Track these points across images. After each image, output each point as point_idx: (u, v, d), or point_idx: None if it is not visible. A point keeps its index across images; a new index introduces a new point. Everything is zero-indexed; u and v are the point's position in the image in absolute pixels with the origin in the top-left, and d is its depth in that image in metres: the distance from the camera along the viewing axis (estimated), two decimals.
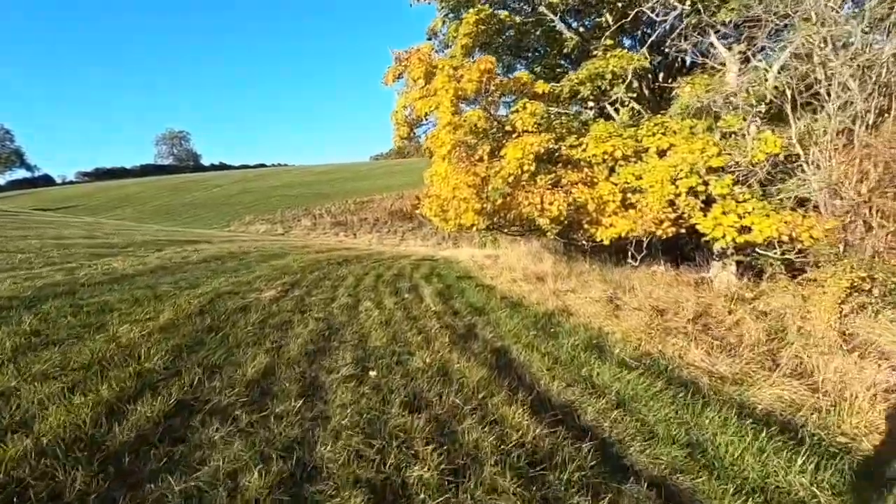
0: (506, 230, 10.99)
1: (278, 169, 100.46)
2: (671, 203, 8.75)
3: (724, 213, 8.26)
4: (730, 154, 8.32)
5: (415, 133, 15.14)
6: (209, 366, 3.73)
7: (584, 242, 10.53)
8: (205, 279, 7.96)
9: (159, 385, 3.29)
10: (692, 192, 8.88)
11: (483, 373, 4.02)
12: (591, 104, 14.92)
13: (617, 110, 13.38)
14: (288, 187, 60.36)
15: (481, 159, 9.07)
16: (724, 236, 7.95)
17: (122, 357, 3.71)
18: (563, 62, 15.72)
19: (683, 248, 14.16)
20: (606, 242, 9.77)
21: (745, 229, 7.81)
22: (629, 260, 10.09)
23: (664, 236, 8.53)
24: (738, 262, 10.76)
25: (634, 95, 13.39)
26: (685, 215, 8.56)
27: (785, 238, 7.23)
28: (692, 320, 6.43)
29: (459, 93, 9.60)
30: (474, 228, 9.36)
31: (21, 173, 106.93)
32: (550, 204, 8.21)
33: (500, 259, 14.89)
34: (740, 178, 8.90)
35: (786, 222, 7.17)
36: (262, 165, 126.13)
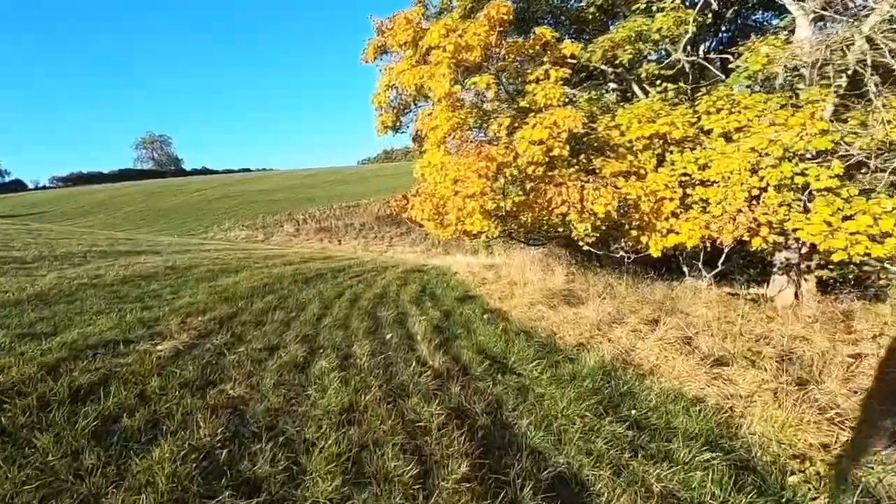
0: (522, 239, 8.51)
1: (262, 173, 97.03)
2: (754, 199, 6.36)
3: (833, 214, 5.86)
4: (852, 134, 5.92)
5: (402, 122, 12.65)
6: None
7: (625, 254, 8.07)
8: (88, 316, 5.34)
9: None
10: (779, 185, 6.50)
11: None
12: (612, 85, 12.55)
13: (645, 90, 10.97)
14: (271, 192, 57.47)
15: (497, 138, 6.59)
16: (845, 247, 5.52)
17: None
18: (573, 37, 13.39)
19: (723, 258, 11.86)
20: (657, 254, 7.35)
21: (880, 236, 5.40)
22: (691, 275, 7.67)
23: (756, 246, 6.10)
24: (820, 279, 8.44)
25: (671, 72, 11.07)
26: (777, 217, 6.15)
27: None
28: (853, 386, 3.97)
29: (461, 54, 7.12)
30: (483, 236, 6.87)
31: None
32: (594, 202, 5.74)
33: (502, 270, 12.35)
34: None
35: None
36: (247, 170, 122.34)
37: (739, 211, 5.96)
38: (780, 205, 6.17)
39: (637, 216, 6.72)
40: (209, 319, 5.57)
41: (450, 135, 7.29)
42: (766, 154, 6.51)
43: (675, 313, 7.40)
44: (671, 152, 7.67)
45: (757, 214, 5.77)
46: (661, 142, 7.45)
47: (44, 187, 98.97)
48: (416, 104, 11.44)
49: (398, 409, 3.35)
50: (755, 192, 6.36)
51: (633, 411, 3.59)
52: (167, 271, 9.52)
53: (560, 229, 8.46)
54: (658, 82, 10.48)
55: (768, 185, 6.38)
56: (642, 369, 4.84)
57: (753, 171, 6.59)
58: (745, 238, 5.73)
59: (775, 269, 9.75)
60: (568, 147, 6.25)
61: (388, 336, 5.52)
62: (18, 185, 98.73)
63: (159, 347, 4.36)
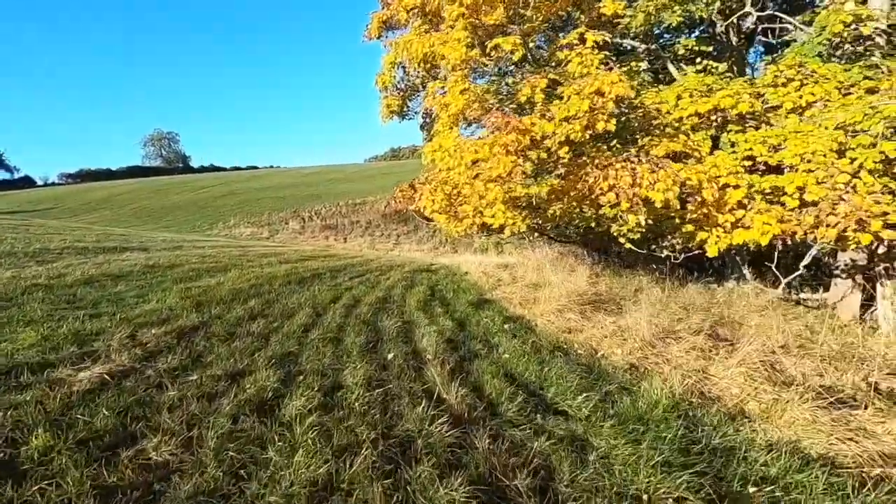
0: (553, 235, 7.32)
1: (268, 170, 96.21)
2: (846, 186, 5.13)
3: None
4: None
5: (409, 106, 11.48)
6: None
7: (671, 254, 6.84)
8: (12, 328, 4.24)
9: None
10: (874, 170, 5.25)
11: None
12: (643, 65, 11.31)
13: (681, 69, 9.71)
14: (277, 189, 56.64)
15: (529, 104, 5.39)
16: None
17: None
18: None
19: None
20: (713, 253, 6.12)
21: None
22: (733, 278, 6.46)
23: (864, 244, 4.85)
24: None
25: (710, 49, 9.80)
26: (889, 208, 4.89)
27: None
28: None
29: (480, 14, 5.93)
30: (507, 231, 5.68)
31: None
32: (650, 187, 4.53)
33: (518, 270, 11.11)
34: None
35: None
36: (254, 167, 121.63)
37: (841, 199, 4.72)
38: (882, 192, 4.93)
39: (694, 207, 5.50)
40: (166, 332, 4.44)
41: (465, 111, 6.11)
42: (857, 132, 5.29)
43: (730, 324, 6.23)
44: (729, 132, 6.45)
45: (864, 205, 4.53)
46: (718, 119, 6.23)
47: (52, 184, 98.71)
48: (424, 86, 10.29)
49: (400, 488, 2.19)
50: (845, 177, 5.12)
51: (752, 489, 2.39)
52: (144, 270, 8.45)
53: (592, 224, 7.26)
54: (697, 59, 9.26)
55: (861, 168, 5.14)
56: (724, 405, 3.65)
57: (840, 153, 5.36)
58: (850, 234, 4.52)
59: (837, 272, 8.47)
60: (613, 121, 5.04)
61: (391, 356, 4.35)
62: (27, 182, 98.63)
63: (81, 375, 3.24)
